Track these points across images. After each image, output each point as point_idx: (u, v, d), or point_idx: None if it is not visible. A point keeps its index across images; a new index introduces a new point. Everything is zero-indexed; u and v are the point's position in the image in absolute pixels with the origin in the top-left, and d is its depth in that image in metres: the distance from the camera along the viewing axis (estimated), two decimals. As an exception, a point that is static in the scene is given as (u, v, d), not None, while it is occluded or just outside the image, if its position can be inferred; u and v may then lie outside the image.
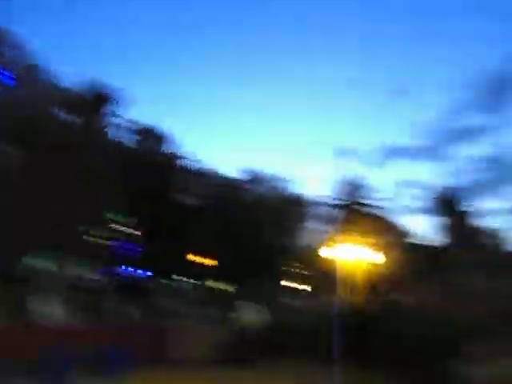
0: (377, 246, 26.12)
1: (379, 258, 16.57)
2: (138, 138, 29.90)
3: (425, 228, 39.82)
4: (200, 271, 25.41)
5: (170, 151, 30.73)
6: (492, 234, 37.46)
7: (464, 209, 36.38)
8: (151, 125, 30.48)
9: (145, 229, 26.59)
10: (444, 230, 34.82)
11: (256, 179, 33.72)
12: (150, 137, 30.21)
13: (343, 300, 8.14)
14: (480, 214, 34.60)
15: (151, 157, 29.23)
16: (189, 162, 32.03)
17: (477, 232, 34.77)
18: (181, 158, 31.44)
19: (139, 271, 27.28)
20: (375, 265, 22.37)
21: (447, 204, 35.74)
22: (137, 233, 26.92)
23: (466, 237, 33.60)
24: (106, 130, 27.44)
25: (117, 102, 26.44)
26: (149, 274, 27.18)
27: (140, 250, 27.51)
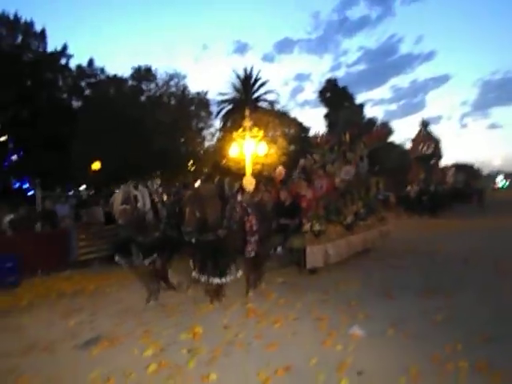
0: (272, 141, 27.33)
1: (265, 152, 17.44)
2: (1, 29, 25.78)
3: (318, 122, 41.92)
4: (86, 178, 24.34)
5: (42, 47, 27.20)
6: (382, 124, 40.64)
7: (352, 99, 38.52)
8: (17, 15, 26.41)
9: (16, 135, 24.36)
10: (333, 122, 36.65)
11: (149, 77, 31.69)
12: (16, 29, 26.26)
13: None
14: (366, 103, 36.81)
15: (18, 52, 25.65)
16: (69, 60, 28.96)
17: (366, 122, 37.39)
18: (59, 54, 28.20)
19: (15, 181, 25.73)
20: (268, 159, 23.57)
21: (336, 96, 37.48)
22: (2, 138, 24.63)
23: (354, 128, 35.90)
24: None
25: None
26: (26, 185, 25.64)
27: (11, 158, 25.54)
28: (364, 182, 9.62)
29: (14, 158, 26.16)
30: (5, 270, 7.58)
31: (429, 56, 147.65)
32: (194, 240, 5.40)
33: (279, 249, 7.22)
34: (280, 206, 7.75)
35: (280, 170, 9.49)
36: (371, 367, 3.58)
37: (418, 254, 9.57)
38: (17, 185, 26.42)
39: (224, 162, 25.95)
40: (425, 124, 29.59)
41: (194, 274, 5.47)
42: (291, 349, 4.08)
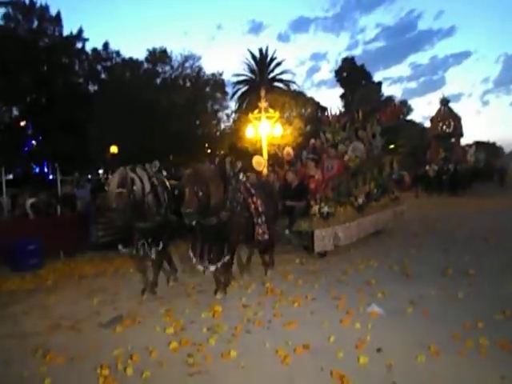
0: (288, 122, 27.12)
1: (281, 133, 17.38)
2: (16, 14, 25.93)
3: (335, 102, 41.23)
4: (104, 162, 24.64)
5: (57, 31, 27.31)
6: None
7: (369, 78, 37.76)
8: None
9: (34, 120, 24.70)
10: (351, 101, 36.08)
11: (164, 59, 31.57)
12: (32, 13, 26.38)
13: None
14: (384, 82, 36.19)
15: (34, 37, 25.80)
16: (85, 44, 29.04)
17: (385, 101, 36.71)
18: (75, 38, 28.29)
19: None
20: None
21: (353, 75, 36.79)
22: (21, 124, 25.00)
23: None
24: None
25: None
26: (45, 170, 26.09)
27: (31, 143, 25.94)
28: (377, 161, 9.27)
29: (34, 143, 26.59)
30: (28, 252, 7.80)
31: (449, 32, 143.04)
32: (194, 223, 4.98)
33: (287, 231, 7.08)
34: (286, 188, 7.60)
35: (288, 150, 9.34)
36: (390, 345, 3.58)
37: (438, 232, 9.49)
38: (37, 169, 26.95)
39: (240, 143, 25.90)
40: (445, 102, 28.86)
41: (194, 260, 5.22)
42: (310, 327, 4.11)
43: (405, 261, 6.56)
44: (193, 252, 5.23)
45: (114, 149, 22.65)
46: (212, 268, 5.09)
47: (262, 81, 32.34)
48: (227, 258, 5.17)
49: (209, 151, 30.19)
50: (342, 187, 7.99)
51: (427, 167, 22.84)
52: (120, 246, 5.66)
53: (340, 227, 7.41)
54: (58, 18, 27.57)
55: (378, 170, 9.21)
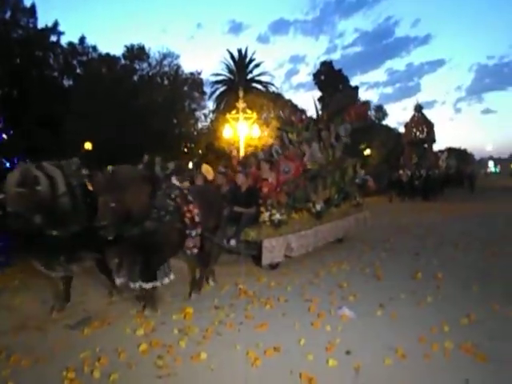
0: (266, 123, 27.20)
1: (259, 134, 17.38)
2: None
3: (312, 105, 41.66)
4: (79, 158, 24.17)
5: (32, 23, 26.61)
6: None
7: (346, 82, 38.26)
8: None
9: (6, 113, 23.98)
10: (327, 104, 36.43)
11: (142, 56, 31.20)
12: (5, 4, 25.59)
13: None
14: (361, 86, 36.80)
15: (7, 28, 25.07)
16: (60, 38, 28.40)
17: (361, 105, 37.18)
18: (49, 31, 27.63)
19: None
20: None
21: (331, 78, 37.21)
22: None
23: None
24: None
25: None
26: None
27: (1, 137, 25.19)
28: (339, 164, 8.61)
29: (4, 137, 25.80)
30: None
31: (425, 40, 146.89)
32: (113, 237, 4.17)
33: (233, 241, 6.29)
34: (235, 192, 6.83)
35: (232, 149, 8.48)
36: (359, 347, 3.64)
37: (409, 237, 9.68)
38: (7, 165, 26.12)
39: (218, 143, 25.84)
40: (418, 108, 29.59)
41: (117, 280, 4.68)
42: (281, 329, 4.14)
43: (376, 264, 6.69)
44: (117, 268, 4.69)
45: (87, 145, 22.22)
46: (147, 285, 4.55)
47: (241, 81, 32.33)
48: (172, 276, 4.69)
49: (185, 150, 29.99)
50: (298, 192, 7.30)
51: (401, 172, 23.33)
52: (34, 263, 4.72)
53: (294, 236, 6.71)
54: (32, 10, 26.84)
55: (340, 173, 8.59)
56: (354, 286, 5.54)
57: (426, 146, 29.15)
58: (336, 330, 4.04)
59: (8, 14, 25.94)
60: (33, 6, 26.77)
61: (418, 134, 28.87)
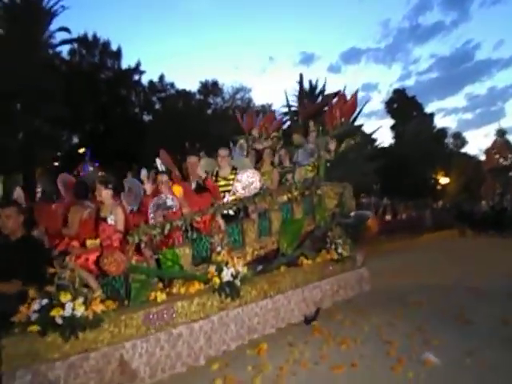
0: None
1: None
2: (80, 50, 27.93)
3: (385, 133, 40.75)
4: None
5: (117, 65, 29.06)
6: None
7: (420, 109, 37.06)
8: (96, 36, 28.53)
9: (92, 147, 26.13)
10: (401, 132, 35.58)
11: (215, 91, 32.72)
12: (94, 48, 28.32)
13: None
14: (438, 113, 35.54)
15: (96, 70, 27.59)
16: (141, 76, 30.68)
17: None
18: (132, 71, 29.97)
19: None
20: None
21: (404, 106, 36.25)
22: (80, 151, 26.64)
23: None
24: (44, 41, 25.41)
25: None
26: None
27: (87, 170, 27.25)
28: (303, 191, 5.80)
29: (91, 169, 27.94)
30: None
31: (510, 61, 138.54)
32: None
33: None
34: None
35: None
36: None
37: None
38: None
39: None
40: (501, 133, 27.69)
41: None
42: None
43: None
44: None
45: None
46: None
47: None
48: None
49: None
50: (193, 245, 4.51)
51: (483, 203, 21.75)
52: None
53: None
54: (118, 53, 29.41)
55: (307, 206, 5.78)
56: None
57: (510, 174, 27.09)
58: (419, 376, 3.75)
59: (97, 58, 28.59)
60: (119, 50, 29.35)
61: (501, 160, 26.93)
